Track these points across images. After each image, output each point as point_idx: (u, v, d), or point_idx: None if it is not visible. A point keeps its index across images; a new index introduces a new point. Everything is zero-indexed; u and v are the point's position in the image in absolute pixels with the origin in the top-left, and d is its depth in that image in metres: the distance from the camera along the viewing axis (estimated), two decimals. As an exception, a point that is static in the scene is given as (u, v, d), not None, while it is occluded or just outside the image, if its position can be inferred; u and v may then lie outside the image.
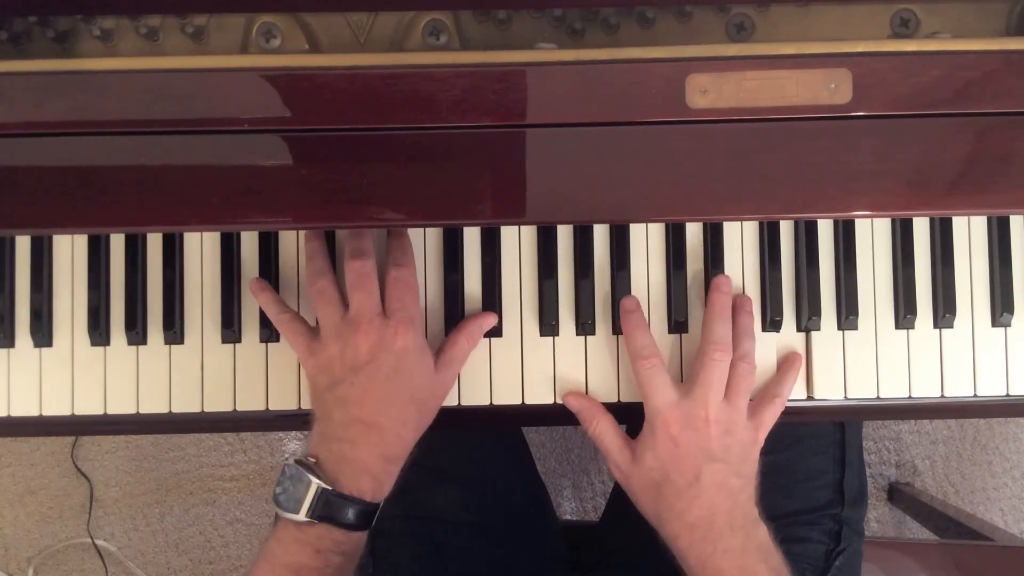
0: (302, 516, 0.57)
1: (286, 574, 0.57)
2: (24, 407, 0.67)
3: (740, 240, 0.67)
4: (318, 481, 0.57)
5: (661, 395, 0.62)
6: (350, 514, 0.57)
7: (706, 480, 0.60)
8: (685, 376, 0.66)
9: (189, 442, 1.45)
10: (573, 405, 0.66)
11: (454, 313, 0.66)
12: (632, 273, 0.67)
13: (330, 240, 0.67)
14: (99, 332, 0.66)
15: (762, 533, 0.61)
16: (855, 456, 0.78)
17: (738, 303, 0.66)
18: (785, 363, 0.66)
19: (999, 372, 0.67)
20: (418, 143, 0.57)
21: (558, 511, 1.42)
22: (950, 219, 0.67)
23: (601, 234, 0.67)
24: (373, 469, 0.59)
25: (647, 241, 0.67)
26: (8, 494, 1.45)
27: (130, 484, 1.45)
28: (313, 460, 0.59)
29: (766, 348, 0.67)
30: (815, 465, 0.76)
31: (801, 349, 0.67)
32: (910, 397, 0.67)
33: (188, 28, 0.60)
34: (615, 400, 0.67)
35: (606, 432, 0.64)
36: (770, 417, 0.64)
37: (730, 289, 0.66)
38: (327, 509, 0.57)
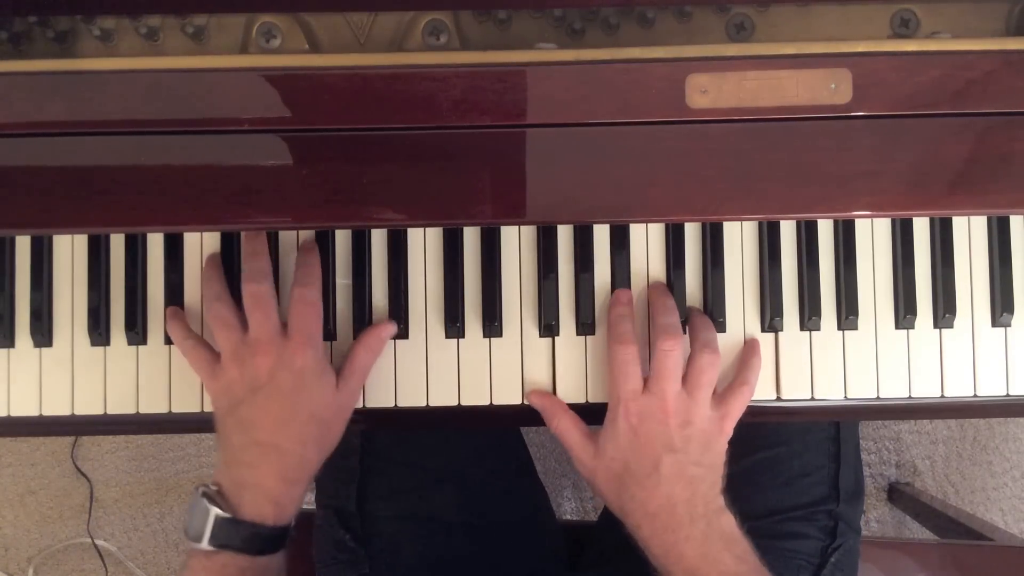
0: (204, 545, 0.57)
1: None
2: (24, 407, 0.67)
3: (740, 240, 0.67)
4: (216, 510, 0.58)
5: (628, 383, 0.62)
6: (252, 540, 0.58)
7: (665, 470, 0.60)
8: None
9: (189, 442, 1.45)
10: (536, 403, 0.66)
11: (454, 313, 0.66)
12: (632, 273, 0.67)
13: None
14: (99, 332, 0.66)
15: (726, 521, 0.61)
16: (851, 452, 0.78)
17: (690, 309, 0.66)
18: (746, 350, 0.66)
19: (999, 372, 0.67)
20: (418, 143, 0.57)
21: (558, 511, 1.42)
22: (950, 219, 0.67)
23: (601, 234, 0.67)
24: (274, 493, 0.59)
25: (647, 241, 0.67)
26: (8, 494, 1.45)
27: (130, 484, 1.46)
28: (215, 488, 0.59)
29: (767, 349, 0.67)
30: (810, 461, 0.76)
31: (802, 349, 0.67)
32: (910, 397, 0.67)
33: (188, 28, 0.60)
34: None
35: (568, 429, 0.64)
36: (738, 406, 0.63)
37: (666, 290, 0.66)
38: (227, 537, 0.57)
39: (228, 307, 0.62)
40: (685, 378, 0.62)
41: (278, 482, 0.59)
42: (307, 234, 0.66)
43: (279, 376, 0.60)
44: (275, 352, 0.60)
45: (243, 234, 0.64)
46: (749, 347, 0.66)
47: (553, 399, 0.66)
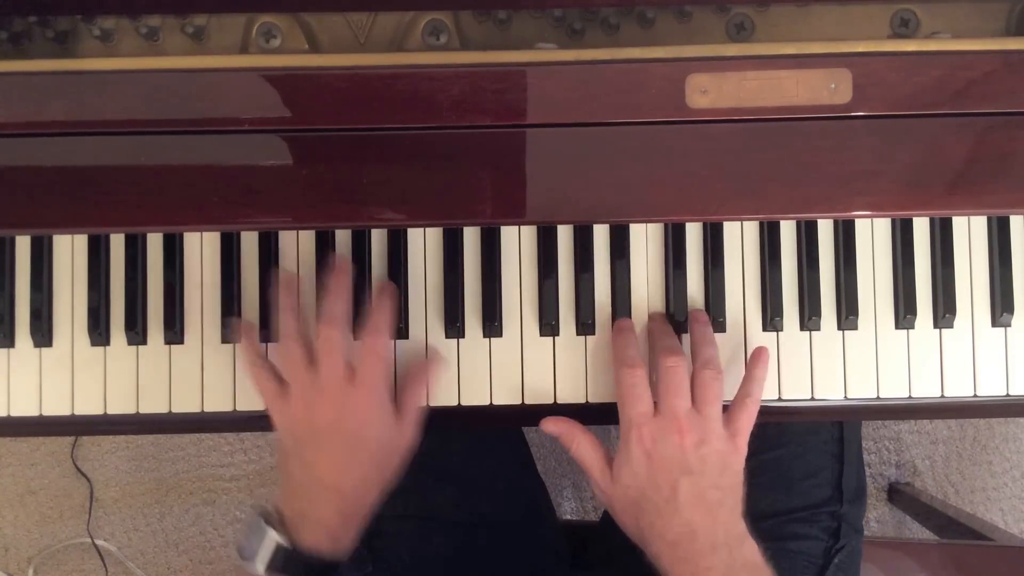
0: (260, 569, 0.58)
1: None
2: (24, 407, 0.67)
3: (740, 240, 0.67)
4: (276, 536, 0.58)
5: (636, 406, 0.61)
6: (305, 569, 0.58)
7: (683, 495, 0.59)
8: None
9: (189, 442, 1.45)
10: (552, 430, 0.65)
11: (454, 313, 0.66)
12: (632, 273, 0.67)
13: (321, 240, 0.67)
14: (99, 332, 0.66)
15: (748, 549, 0.59)
16: (853, 453, 0.78)
17: (692, 315, 0.66)
18: (751, 361, 0.65)
19: (999, 372, 0.67)
20: (418, 143, 0.57)
21: (558, 511, 1.42)
22: (950, 219, 0.67)
23: (601, 234, 0.67)
24: (332, 527, 0.60)
25: (647, 241, 0.67)
26: (8, 494, 1.45)
27: (130, 484, 1.45)
28: (276, 515, 0.60)
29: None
30: (813, 462, 0.76)
31: (802, 349, 0.67)
32: (910, 397, 0.67)
33: (188, 28, 0.60)
34: (614, 400, 0.67)
35: (587, 451, 0.63)
36: (745, 421, 0.62)
37: (662, 316, 0.66)
38: (284, 564, 0.58)
39: (301, 346, 0.62)
40: (692, 397, 0.61)
41: (337, 518, 0.60)
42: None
43: (343, 424, 0.60)
44: (341, 400, 0.60)
45: (329, 275, 0.63)
46: (754, 358, 0.65)
47: (569, 423, 0.64)
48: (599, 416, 0.66)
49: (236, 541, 0.59)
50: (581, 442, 0.64)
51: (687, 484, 0.59)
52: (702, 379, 0.61)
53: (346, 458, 0.60)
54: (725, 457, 0.61)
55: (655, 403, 0.61)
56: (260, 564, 0.58)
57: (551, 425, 0.65)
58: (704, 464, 0.60)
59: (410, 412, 0.64)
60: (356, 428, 0.60)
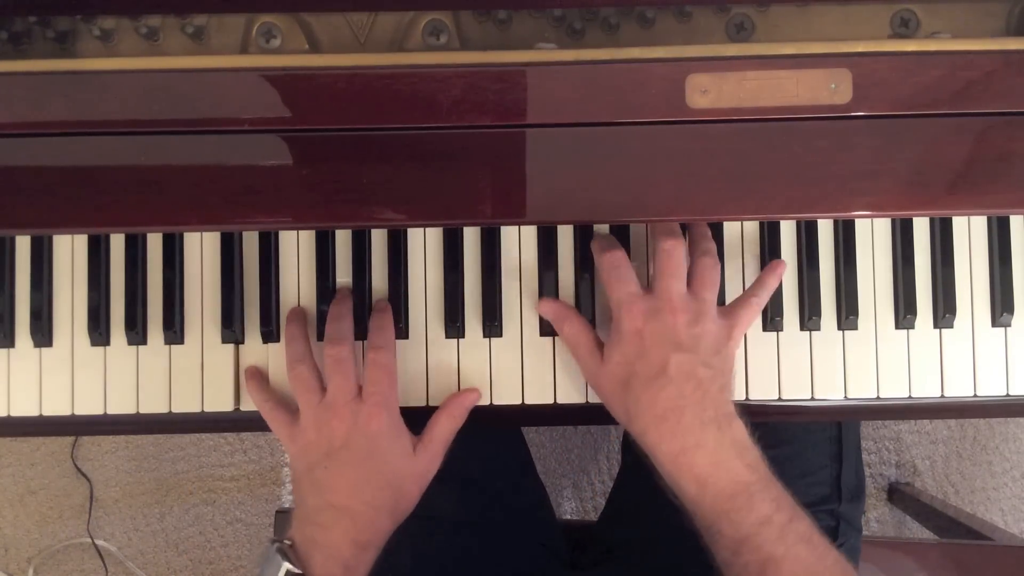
0: None
1: None
2: (24, 407, 0.67)
3: (740, 240, 0.67)
4: (288, 565, 0.57)
5: (624, 287, 0.60)
6: None
7: (673, 370, 0.58)
8: None
9: (189, 442, 1.45)
10: (546, 311, 0.65)
11: (454, 313, 0.66)
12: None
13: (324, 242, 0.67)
14: (99, 332, 0.66)
15: (737, 428, 0.58)
16: (852, 452, 0.78)
17: (691, 225, 0.65)
18: (767, 269, 0.65)
19: (999, 372, 0.67)
20: (418, 143, 0.57)
21: (558, 511, 1.42)
22: (950, 219, 0.67)
23: (601, 234, 0.67)
24: (344, 555, 0.59)
25: (647, 241, 0.67)
26: (8, 494, 1.45)
27: (130, 484, 1.46)
28: (289, 543, 0.59)
29: (767, 348, 0.67)
30: (812, 460, 0.76)
31: (802, 349, 0.67)
32: (910, 397, 0.67)
33: (188, 28, 0.60)
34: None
35: (579, 333, 0.63)
36: (746, 317, 0.62)
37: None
38: None
39: (310, 370, 0.63)
40: (689, 281, 0.61)
41: (349, 545, 0.59)
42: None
43: (354, 440, 0.60)
44: (351, 416, 0.60)
45: (332, 303, 0.65)
46: (770, 267, 0.65)
47: (561, 304, 0.65)
48: (599, 416, 0.66)
49: (251, 573, 0.59)
50: (572, 322, 0.64)
51: (678, 359, 0.58)
52: (701, 264, 0.61)
53: (357, 476, 0.60)
54: (718, 339, 0.60)
55: (649, 284, 0.61)
56: None
57: (544, 306, 0.65)
58: (697, 342, 0.59)
59: (433, 441, 0.63)
60: (367, 443, 0.60)
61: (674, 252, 0.60)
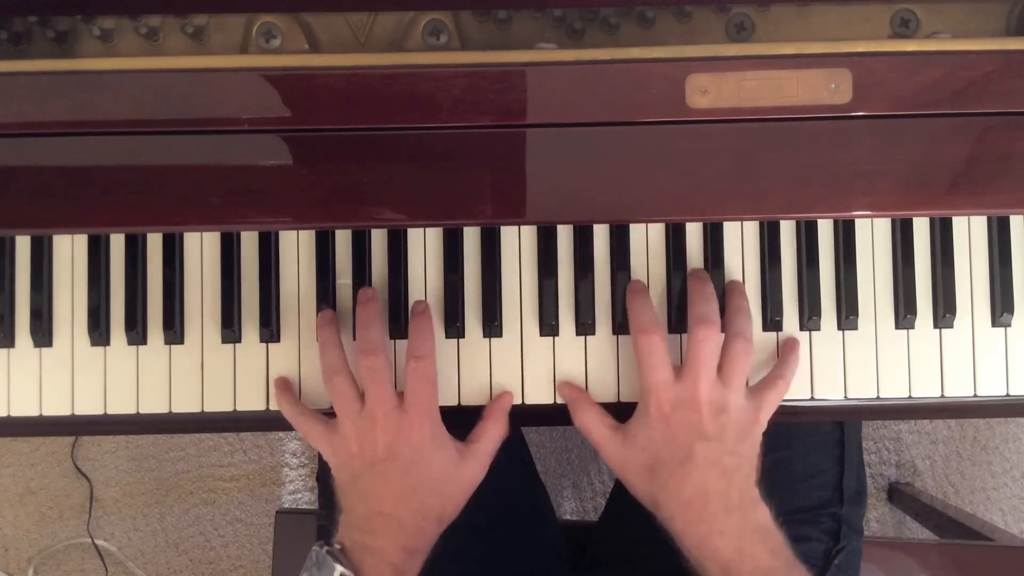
0: None
1: None
2: (24, 407, 0.67)
3: (740, 240, 0.67)
4: (342, 569, 0.57)
5: (657, 373, 0.61)
6: None
7: (698, 458, 0.59)
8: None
9: (189, 442, 1.45)
10: (565, 395, 0.66)
11: (454, 313, 0.66)
12: (632, 273, 0.67)
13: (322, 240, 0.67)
14: (99, 332, 0.66)
15: (761, 513, 0.59)
16: (854, 454, 0.78)
17: (729, 286, 0.66)
18: (785, 347, 0.66)
19: (999, 372, 0.67)
20: (418, 143, 0.57)
21: (558, 511, 1.42)
22: (950, 219, 0.67)
23: (601, 234, 0.67)
24: (394, 560, 0.59)
25: (647, 241, 0.67)
26: (8, 494, 1.45)
27: (130, 484, 1.46)
28: (339, 547, 0.60)
29: (767, 348, 0.67)
30: (814, 463, 0.76)
31: (802, 349, 0.67)
32: (910, 397, 0.67)
33: (188, 28, 0.60)
34: (615, 400, 0.67)
35: (593, 422, 0.64)
36: (773, 398, 0.63)
37: (705, 277, 0.65)
38: None
39: (347, 380, 0.63)
40: (719, 367, 0.61)
41: (399, 551, 0.60)
42: (418, 296, 0.67)
43: (397, 451, 0.60)
44: (393, 427, 0.60)
45: (357, 304, 0.64)
46: (788, 345, 0.66)
47: (583, 392, 0.65)
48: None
49: None
50: (587, 412, 0.64)
51: (703, 449, 0.59)
52: (732, 351, 0.62)
53: (403, 486, 0.60)
54: (744, 427, 0.61)
55: (679, 365, 0.62)
56: None
57: (566, 389, 0.66)
58: (722, 431, 0.60)
59: (481, 450, 0.64)
60: (411, 453, 0.60)
61: (707, 343, 0.61)
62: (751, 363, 0.63)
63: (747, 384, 0.63)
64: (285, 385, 0.66)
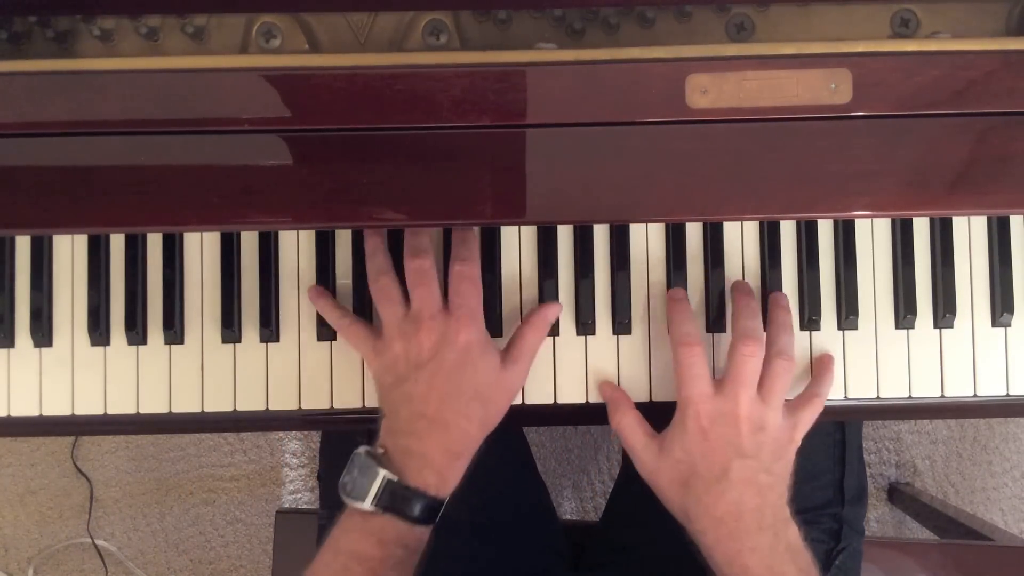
0: (367, 505, 0.57)
1: (350, 562, 0.58)
2: (24, 407, 0.67)
3: (740, 240, 0.67)
4: (385, 471, 0.57)
5: (696, 385, 0.61)
6: (414, 507, 0.58)
7: (735, 475, 0.59)
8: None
9: (189, 442, 1.45)
10: (605, 395, 0.66)
11: (454, 313, 0.66)
12: (632, 273, 0.67)
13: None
14: (99, 332, 0.66)
15: (792, 533, 0.60)
16: (855, 455, 0.78)
17: (773, 299, 0.66)
18: (819, 364, 0.66)
19: (999, 372, 0.67)
20: (418, 143, 0.57)
21: (558, 511, 1.42)
22: (950, 219, 0.67)
23: (601, 234, 0.67)
24: (437, 464, 0.59)
25: (647, 241, 0.67)
26: (8, 494, 1.46)
27: (130, 484, 1.46)
28: (381, 451, 0.60)
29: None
30: (815, 464, 0.76)
31: (802, 348, 0.67)
32: (910, 397, 0.67)
33: (188, 28, 0.60)
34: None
35: (631, 426, 0.63)
36: (808, 417, 0.63)
37: (750, 290, 0.65)
38: (392, 500, 0.57)
39: (393, 281, 0.62)
40: (760, 381, 0.61)
41: (442, 454, 0.60)
42: None
43: (443, 352, 0.60)
44: (439, 328, 0.60)
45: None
46: (823, 363, 0.66)
47: (623, 393, 0.65)
48: (599, 416, 0.66)
49: (339, 482, 0.59)
50: (626, 414, 0.64)
51: (739, 466, 0.59)
52: (773, 369, 0.61)
53: (448, 389, 0.60)
54: (781, 445, 0.61)
55: (719, 378, 0.62)
56: (368, 501, 0.57)
57: (606, 388, 0.66)
58: (760, 449, 0.60)
59: (520, 354, 0.63)
60: (456, 356, 0.60)
61: (750, 361, 0.60)
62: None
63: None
64: (321, 290, 0.66)
